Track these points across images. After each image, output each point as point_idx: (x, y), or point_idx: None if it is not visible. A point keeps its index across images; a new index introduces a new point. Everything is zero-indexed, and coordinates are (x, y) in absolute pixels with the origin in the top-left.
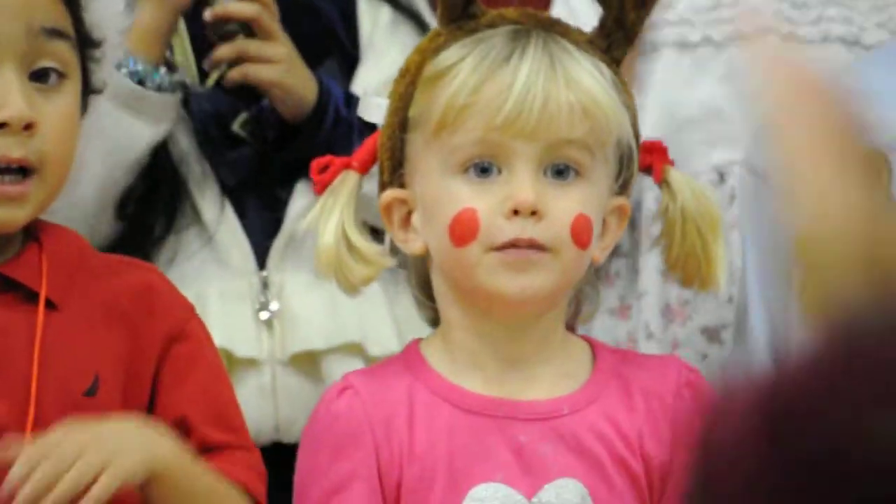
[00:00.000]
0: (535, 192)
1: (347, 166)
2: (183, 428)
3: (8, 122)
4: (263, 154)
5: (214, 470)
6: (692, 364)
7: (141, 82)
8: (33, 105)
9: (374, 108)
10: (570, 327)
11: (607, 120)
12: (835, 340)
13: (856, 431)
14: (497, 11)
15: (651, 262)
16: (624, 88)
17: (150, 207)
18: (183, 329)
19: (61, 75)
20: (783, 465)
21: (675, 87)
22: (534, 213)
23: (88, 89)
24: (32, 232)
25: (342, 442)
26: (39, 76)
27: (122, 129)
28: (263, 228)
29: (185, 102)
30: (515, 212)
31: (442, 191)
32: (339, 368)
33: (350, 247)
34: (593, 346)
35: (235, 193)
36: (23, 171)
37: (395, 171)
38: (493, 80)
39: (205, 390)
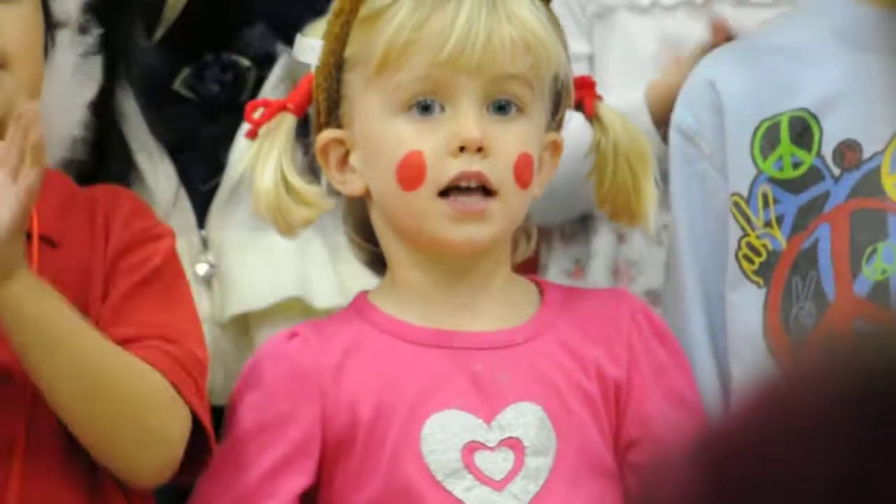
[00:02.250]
0: (480, 128)
1: (283, 108)
2: (106, 318)
3: None
4: (205, 111)
5: (125, 351)
6: None
7: None
8: None
9: (307, 49)
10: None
11: (548, 55)
12: (767, 394)
13: (787, 478)
14: None
15: (606, 225)
16: (558, 24)
17: (99, 171)
18: (140, 235)
19: None
20: None
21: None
22: (479, 149)
23: (51, 21)
24: None
25: (286, 383)
26: None
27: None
28: (203, 186)
29: (127, 62)
30: (461, 149)
31: (385, 131)
32: (276, 330)
33: (289, 188)
34: (539, 282)
35: (175, 152)
36: None
37: (331, 112)
38: (435, 16)
39: (152, 297)
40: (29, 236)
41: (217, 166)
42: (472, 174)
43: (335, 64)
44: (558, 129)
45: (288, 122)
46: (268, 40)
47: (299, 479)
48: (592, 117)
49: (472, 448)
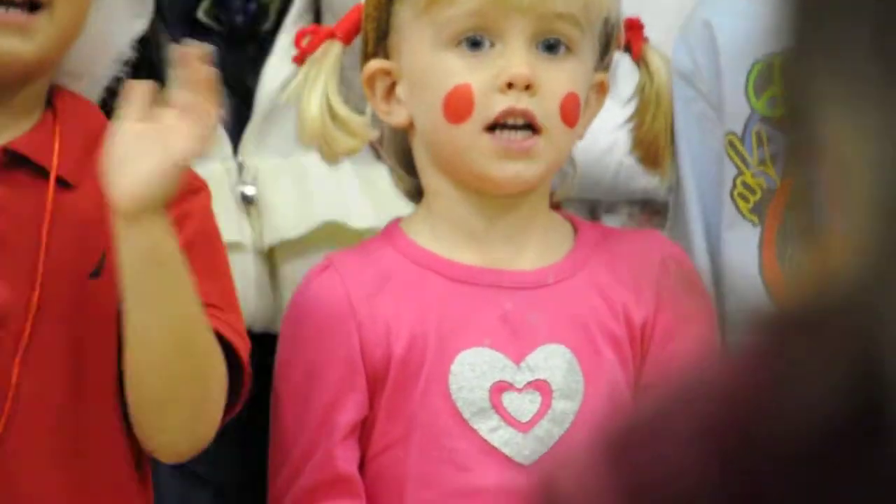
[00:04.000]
0: (529, 65)
1: (330, 36)
2: None
3: None
4: (228, 41)
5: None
6: None
7: None
8: None
9: None
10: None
11: None
12: (669, 395)
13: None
14: None
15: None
16: None
17: None
18: (182, 193)
19: None
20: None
21: None
22: (528, 86)
23: None
24: (52, 103)
25: (322, 323)
26: None
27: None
28: (235, 115)
29: None
30: (510, 85)
31: (433, 64)
32: (299, 268)
33: (334, 117)
34: (574, 221)
35: None
36: (32, 6)
37: (379, 42)
38: None
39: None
40: (46, 174)
41: (245, 94)
42: (519, 111)
43: None
44: (605, 70)
45: (335, 50)
46: None
47: (351, 414)
48: (639, 60)
49: (500, 388)
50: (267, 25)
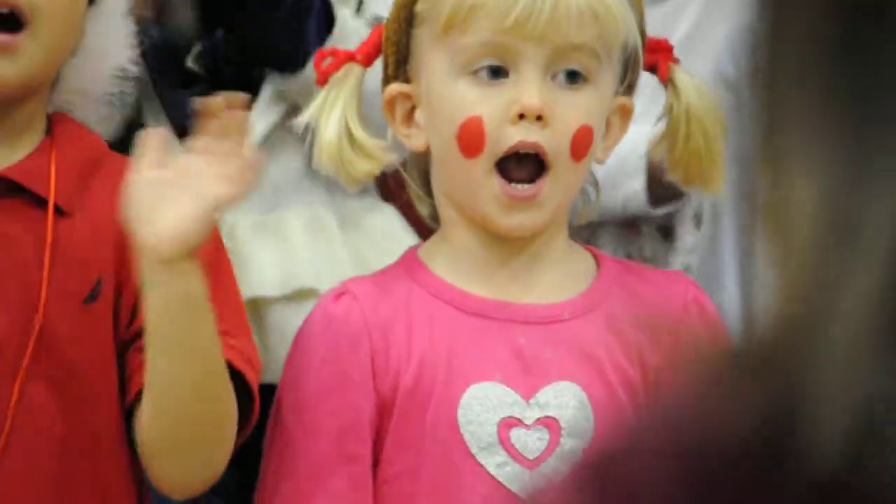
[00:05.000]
0: (541, 97)
1: (351, 59)
2: None
3: None
4: (218, 88)
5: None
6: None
7: None
8: None
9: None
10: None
11: (616, 24)
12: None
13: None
14: None
15: (611, 223)
16: None
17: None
18: None
19: None
20: None
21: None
22: (539, 118)
23: None
24: (49, 129)
25: (337, 344)
26: None
27: None
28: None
29: (141, 41)
30: (521, 116)
31: (448, 92)
32: (291, 315)
33: (352, 141)
34: (596, 255)
35: (185, 132)
36: (15, 24)
37: (399, 66)
38: None
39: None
40: (44, 202)
41: None
42: (530, 144)
43: (406, 18)
44: (629, 93)
45: (355, 73)
46: None
47: (366, 444)
48: (666, 81)
49: (508, 424)
50: (255, 73)
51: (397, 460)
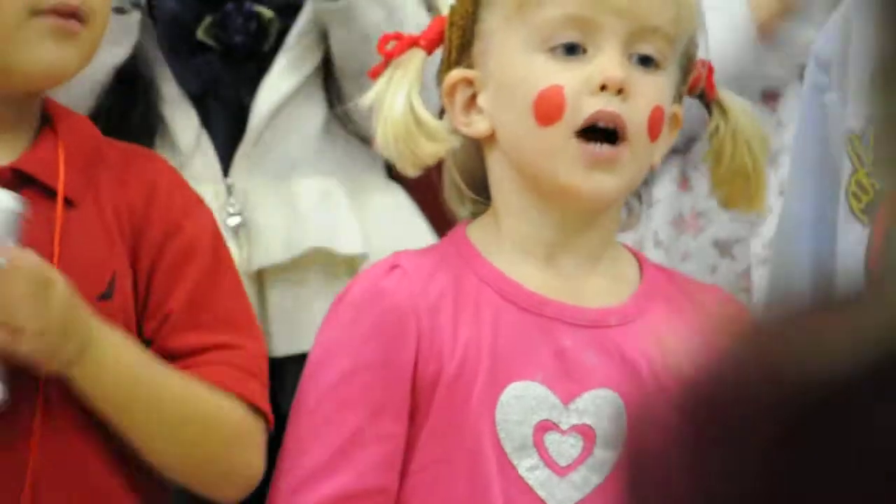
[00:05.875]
0: (623, 70)
1: (415, 44)
2: (168, 327)
3: None
4: (228, 59)
5: (197, 379)
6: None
7: None
8: None
9: None
10: None
11: (690, 11)
12: (751, 338)
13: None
14: None
15: (667, 173)
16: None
17: (124, 122)
18: (181, 221)
19: None
20: (701, 454)
21: None
22: (620, 91)
23: None
24: (47, 119)
25: (385, 320)
26: None
27: None
28: (228, 135)
29: (150, 10)
30: (603, 88)
31: (525, 68)
32: (287, 293)
33: (418, 121)
34: (640, 259)
35: (200, 100)
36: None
37: (463, 51)
38: None
39: (195, 287)
40: (52, 194)
41: (241, 114)
42: (610, 114)
43: (473, 1)
44: (679, 103)
45: (419, 57)
46: None
47: (401, 424)
48: (713, 101)
49: (544, 427)
50: (267, 45)
51: (433, 448)
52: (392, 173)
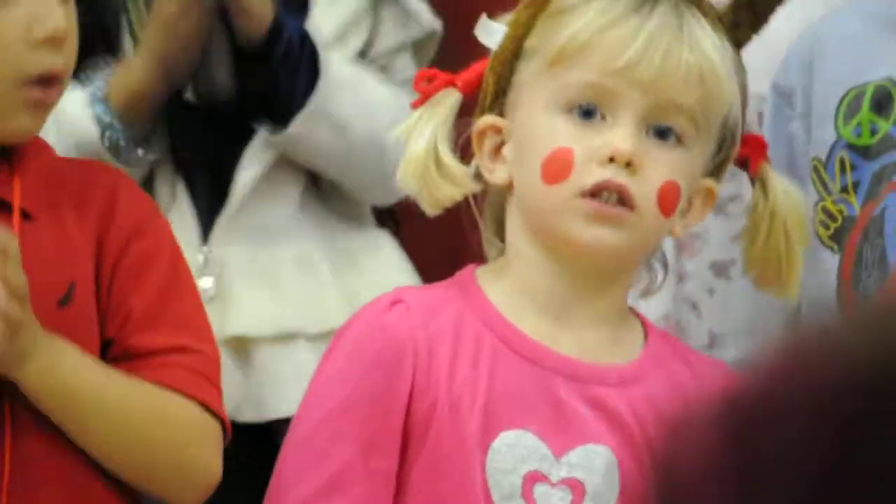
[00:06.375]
0: (633, 143)
1: (451, 83)
2: (129, 326)
3: (55, 34)
4: (213, 120)
5: (144, 380)
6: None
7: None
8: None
9: (490, 32)
10: None
11: (720, 92)
12: (792, 351)
13: (811, 438)
14: None
15: None
16: (742, 71)
17: None
18: (142, 226)
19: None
20: (745, 471)
21: None
22: (628, 164)
23: None
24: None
25: (384, 355)
26: None
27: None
28: (210, 203)
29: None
30: (611, 159)
31: (542, 126)
32: (277, 355)
33: (438, 163)
34: (646, 325)
35: (183, 165)
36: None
37: (497, 98)
38: (619, 25)
39: (155, 289)
40: (9, 208)
41: (223, 183)
42: (615, 185)
43: (513, 51)
44: (717, 178)
45: (453, 97)
46: None
47: (392, 458)
48: (756, 177)
49: (533, 478)
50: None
51: (423, 489)
52: (381, 221)
